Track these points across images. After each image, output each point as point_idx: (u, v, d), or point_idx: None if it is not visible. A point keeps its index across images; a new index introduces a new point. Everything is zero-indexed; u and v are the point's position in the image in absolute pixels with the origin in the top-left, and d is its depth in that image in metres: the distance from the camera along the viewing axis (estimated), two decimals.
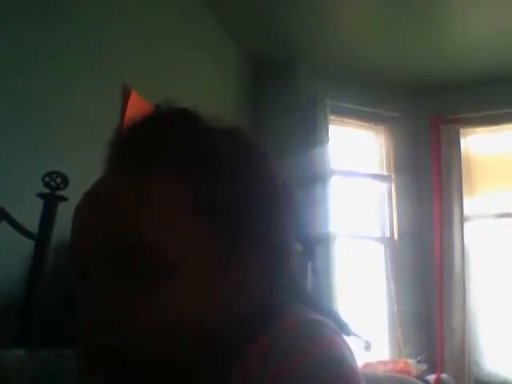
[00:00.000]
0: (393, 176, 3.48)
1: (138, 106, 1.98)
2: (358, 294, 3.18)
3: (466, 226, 3.23)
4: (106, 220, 0.46)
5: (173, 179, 0.48)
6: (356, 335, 0.60)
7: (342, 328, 0.57)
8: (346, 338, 0.53)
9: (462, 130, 3.39)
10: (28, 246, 1.28)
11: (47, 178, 1.28)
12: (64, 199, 1.29)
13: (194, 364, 0.47)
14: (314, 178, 3.03)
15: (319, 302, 0.59)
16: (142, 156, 0.49)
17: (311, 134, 3.15)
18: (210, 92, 2.71)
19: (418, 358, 2.87)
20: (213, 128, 0.54)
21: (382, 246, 3.37)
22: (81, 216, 0.49)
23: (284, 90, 3.23)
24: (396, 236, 3.37)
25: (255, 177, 0.53)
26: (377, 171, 3.53)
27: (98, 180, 0.51)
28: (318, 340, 0.48)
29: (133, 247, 0.45)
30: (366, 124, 3.54)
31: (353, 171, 3.46)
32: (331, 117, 3.28)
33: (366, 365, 2.63)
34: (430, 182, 3.35)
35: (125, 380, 0.45)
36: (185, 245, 0.46)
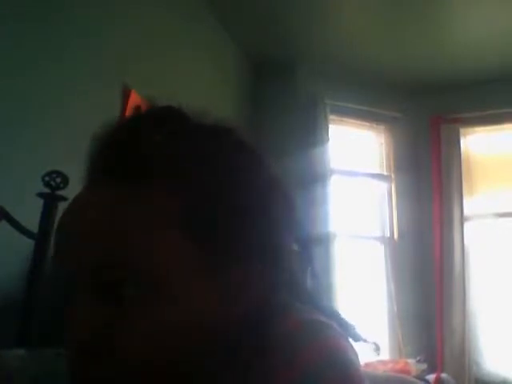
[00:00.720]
0: (393, 176, 3.48)
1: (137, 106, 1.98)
2: (358, 293, 3.18)
3: (466, 225, 3.23)
4: (91, 235, 0.45)
5: (157, 189, 0.46)
6: (363, 339, 0.59)
7: (349, 331, 0.57)
8: (351, 340, 0.52)
9: (462, 130, 3.39)
10: (28, 245, 1.28)
11: (47, 178, 1.28)
12: (64, 199, 1.29)
13: (193, 366, 0.47)
14: (314, 178, 3.03)
15: (322, 303, 0.59)
16: (123, 167, 0.47)
17: (311, 133, 3.15)
18: (209, 92, 2.71)
19: (418, 358, 2.87)
20: (199, 128, 0.52)
21: (382, 246, 3.37)
22: (65, 230, 0.48)
23: (284, 90, 3.23)
24: (396, 236, 3.37)
25: (246, 177, 0.51)
26: (377, 171, 3.53)
27: (80, 192, 0.49)
28: (323, 341, 0.48)
29: (119, 264, 0.44)
30: (366, 124, 3.54)
31: (353, 171, 3.46)
32: (331, 117, 3.28)
33: (366, 364, 2.63)
34: (429, 182, 3.35)
35: None
36: (172, 257, 0.45)
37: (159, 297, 0.44)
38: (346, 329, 0.55)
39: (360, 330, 0.58)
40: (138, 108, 0.56)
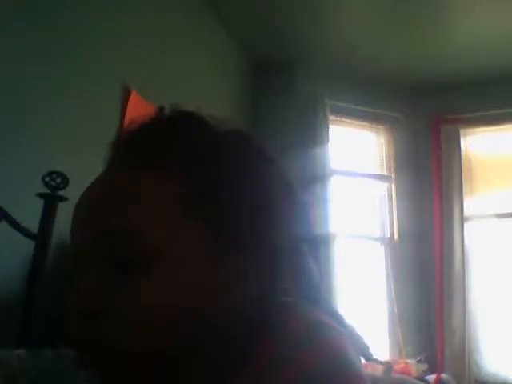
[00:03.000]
0: (393, 176, 3.47)
1: (138, 106, 1.98)
2: (358, 294, 3.18)
3: (466, 225, 3.23)
4: (96, 210, 0.48)
5: (165, 176, 0.49)
6: (374, 358, 0.60)
7: (363, 351, 0.57)
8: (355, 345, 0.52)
9: (462, 130, 3.39)
10: (28, 245, 1.28)
11: (47, 178, 1.28)
12: (64, 199, 1.29)
13: (191, 353, 0.47)
14: (314, 178, 3.03)
15: (328, 305, 0.59)
16: (137, 154, 0.50)
17: (311, 134, 3.15)
18: (209, 92, 2.71)
19: (418, 358, 2.87)
20: (216, 130, 0.54)
21: (382, 246, 3.37)
22: (76, 211, 0.51)
23: (284, 90, 3.23)
24: (396, 236, 3.37)
25: (255, 178, 0.53)
26: (377, 171, 3.53)
27: (99, 175, 0.52)
28: (326, 343, 0.48)
29: (119, 233, 0.46)
30: (367, 124, 3.54)
31: (353, 171, 3.46)
32: (331, 117, 3.28)
33: (366, 365, 2.63)
34: (430, 182, 3.35)
35: (116, 373, 0.46)
36: (170, 231, 0.47)
37: (160, 271, 0.46)
38: (363, 351, 0.55)
39: (367, 343, 0.58)
40: (161, 108, 0.58)
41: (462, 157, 3.33)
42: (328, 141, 3.17)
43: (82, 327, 0.45)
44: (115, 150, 0.53)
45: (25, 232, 1.27)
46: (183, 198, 0.48)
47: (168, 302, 0.46)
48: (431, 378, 2.59)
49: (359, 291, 3.20)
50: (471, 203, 3.30)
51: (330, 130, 3.22)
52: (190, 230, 0.48)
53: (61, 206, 1.30)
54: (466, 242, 3.20)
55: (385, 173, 3.51)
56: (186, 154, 0.50)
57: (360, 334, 0.58)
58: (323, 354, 0.46)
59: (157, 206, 0.47)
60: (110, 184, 0.49)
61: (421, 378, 2.56)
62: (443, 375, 2.66)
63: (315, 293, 0.61)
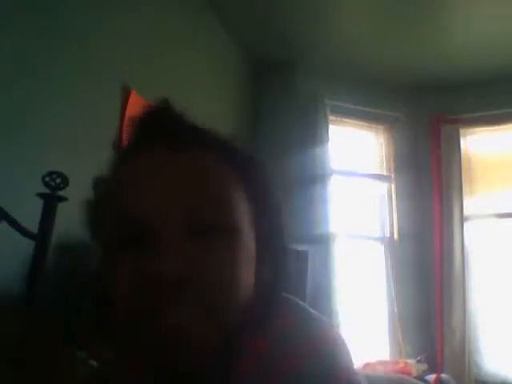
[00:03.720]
0: (393, 176, 3.48)
1: (138, 106, 1.98)
2: (358, 293, 3.18)
3: (466, 225, 3.23)
4: (184, 185, 0.50)
5: (227, 164, 0.55)
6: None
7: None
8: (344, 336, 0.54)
9: (462, 130, 3.39)
10: (28, 245, 1.28)
11: (47, 178, 1.27)
12: (64, 199, 1.29)
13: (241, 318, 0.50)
14: (314, 178, 3.03)
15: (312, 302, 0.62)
16: (200, 137, 0.56)
17: (311, 134, 3.15)
18: (209, 92, 2.71)
19: (418, 358, 2.87)
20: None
21: (382, 246, 3.37)
22: (148, 183, 0.51)
23: (284, 90, 3.23)
24: (396, 236, 3.37)
25: (270, 182, 0.61)
26: (377, 171, 3.53)
27: (147, 153, 0.53)
28: (318, 339, 0.49)
29: (211, 203, 0.51)
30: (366, 124, 3.54)
31: (353, 171, 3.46)
32: (331, 117, 3.28)
33: (366, 365, 2.64)
34: (430, 182, 3.35)
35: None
36: (243, 212, 0.53)
37: (232, 244, 0.51)
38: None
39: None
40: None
41: (462, 157, 3.33)
42: (328, 141, 3.17)
43: (172, 296, 0.46)
44: (164, 127, 0.56)
45: (25, 232, 1.27)
46: (242, 185, 0.55)
47: (240, 268, 0.50)
48: (431, 377, 2.59)
49: (359, 291, 3.20)
50: (471, 203, 3.30)
51: (329, 129, 3.22)
52: (250, 215, 0.54)
53: (61, 206, 1.30)
54: (466, 242, 3.20)
55: (385, 173, 3.51)
56: (237, 154, 0.57)
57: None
58: (315, 351, 0.47)
59: (233, 186, 0.53)
60: (186, 162, 0.52)
61: (421, 378, 2.56)
62: (443, 375, 2.66)
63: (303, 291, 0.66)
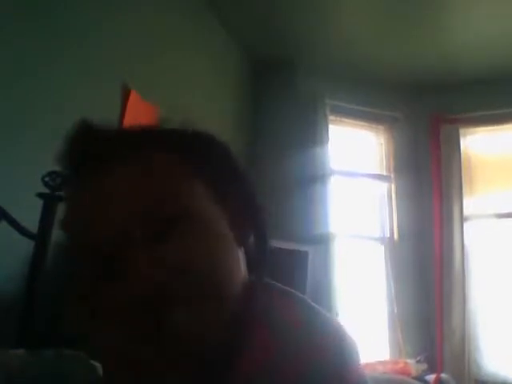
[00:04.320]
0: (393, 176, 3.48)
1: (137, 106, 1.98)
2: (358, 293, 3.18)
3: (466, 226, 3.23)
4: (131, 191, 0.50)
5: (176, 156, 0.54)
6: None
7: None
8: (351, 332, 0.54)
9: (461, 130, 3.39)
10: (27, 245, 1.28)
11: (47, 179, 1.27)
12: (64, 199, 1.29)
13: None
14: (314, 178, 3.03)
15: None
16: (143, 145, 0.54)
17: (311, 134, 3.15)
18: (209, 92, 2.71)
19: (418, 358, 2.87)
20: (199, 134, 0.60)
21: (382, 246, 3.37)
22: (99, 202, 0.50)
23: (284, 90, 3.23)
24: (396, 236, 3.37)
25: (234, 163, 0.59)
26: (377, 171, 3.53)
27: (90, 179, 0.52)
28: (329, 338, 0.49)
29: (162, 200, 0.49)
30: (366, 124, 3.54)
31: (353, 171, 3.46)
32: (331, 117, 3.28)
33: (366, 365, 2.63)
34: (430, 182, 3.35)
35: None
36: (200, 198, 0.52)
37: (195, 225, 0.50)
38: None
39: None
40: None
41: (462, 156, 3.33)
42: (328, 141, 3.17)
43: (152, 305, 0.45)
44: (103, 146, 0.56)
45: (24, 232, 1.27)
46: (201, 174, 0.54)
47: (206, 251, 0.49)
48: (431, 377, 2.59)
49: (359, 291, 3.20)
50: (471, 203, 3.30)
51: (329, 129, 3.22)
52: (211, 200, 0.53)
53: (61, 206, 1.30)
54: (466, 242, 3.20)
55: (384, 173, 3.51)
56: (186, 142, 0.56)
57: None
58: (326, 349, 0.47)
59: (181, 175, 0.52)
60: (133, 169, 0.51)
61: (420, 378, 2.56)
62: (443, 375, 2.66)
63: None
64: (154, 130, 0.59)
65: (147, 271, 0.45)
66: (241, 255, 0.54)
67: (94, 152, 0.55)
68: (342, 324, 0.53)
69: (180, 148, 0.55)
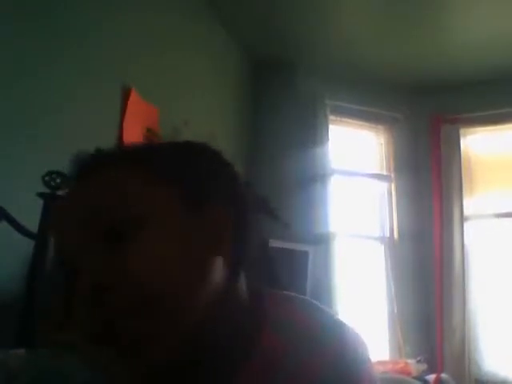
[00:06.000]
0: (393, 176, 3.48)
1: (137, 106, 1.98)
2: (358, 293, 3.18)
3: (466, 225, 3.23)
4: (81, 201, 0.52)
5: (128, 167, 0.54)
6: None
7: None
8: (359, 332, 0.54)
9: (462, 130, 3.39)
10: (28, 245, 1.28)
11: (47, 178, 1.27)
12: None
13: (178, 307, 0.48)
14: (314, 178, 3.03)
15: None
16: (104, 161, 0.55)
17: (311, 133, 3.15)
18: (209, 92, 2.71)
19: (418, 358, 2.86)
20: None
21: (382, 246, 3.37)
22: (61, 216, 0.54)
23: (284, 90, 3.23)
24: (396, 236, 3.37)
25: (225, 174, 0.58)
26: (377, 171, 3.53)
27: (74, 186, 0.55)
28: (340, 340, 0.49)
29: (107, 208, 0.50)
30: (366, 124, 3.54)
31: (353, 171, 3.46)
32: (331, 117, 3.28)
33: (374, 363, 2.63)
34: (429, 182, 3.35)
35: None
36: (157, 202, 0.51)
37: (151, 233, 0.49)
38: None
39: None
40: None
41: (462, 157, 3.33)
42: (328, 141, 3.17)
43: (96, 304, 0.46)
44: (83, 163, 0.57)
45: (24, 231, 1.27)
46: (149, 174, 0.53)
47: (162, 253, 0.48)
48: (431, 377, 2.59)
49: (359, 291, 3.20)
50: (471, 203, 3.30)
51: (329, 129, 3.22)
52: (173, 201, 0.52)
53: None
54: (466, 242, 3.20)
55: (384, 173, 3.51)
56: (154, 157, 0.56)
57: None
58: (337, 352, 0.47)
59: (132, 183, 0.52)
60: (86, 184, 0.53)
61: (420, 378, 2.56)
62: (443, 375, 2.66)
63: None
64: (132, 146, 0.59)
65: (94, 279, 0.46)
66: (217, 265, 0.52)
67: (74, 170, 0.57)
68: (353, 328, 0.53)
69: (148, 160, 0.54)
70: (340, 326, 0.52)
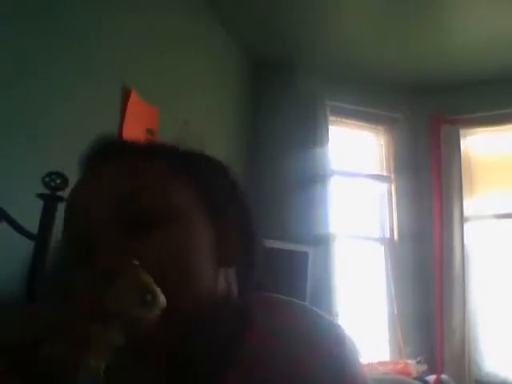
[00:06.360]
0: (393, 176, 3.47)
1: (138, 107, 1.98)
2: (358, 294, 3.18)
3: (466, 226, 3.23)
4: (111, 186, 0.53)
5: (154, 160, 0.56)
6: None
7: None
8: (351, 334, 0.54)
9: (462, 130, 3.39)
10: (28, 246, 1.27)
11: (47, 179, 1.27)
12: (64, 199, 1.29)
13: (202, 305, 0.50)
14: (314, 179, 3.03)
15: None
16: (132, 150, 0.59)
17: (311, 134, 3.15)
18: (209, 92, 2.71)
19: (418, 359, 2.86)
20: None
21: (382, 247, 3.37)
22: (84, 191, 0.55)
23: (284, 90, 3.23)
24: (396, 236, 3.37)
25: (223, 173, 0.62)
26: (377, 172, 3.53)
27: (88, 171, 0.58)
28: (330, 340, 0.50)
29: (137, 194, 0.52)
30: (366, 124, 3.54)
31: (353, 172, 3.46)
32: (331, 117, 3.28)
33: (366, 366, 2.63)
34: (429, 182, 3.35)
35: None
36: (180, 198, 0.54)
37: (174, 226, 0.51)
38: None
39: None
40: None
41: (462, 157, 3.33)
42: (328, 141, 3.17)
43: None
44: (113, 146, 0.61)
45: (24, 232, 1.27)
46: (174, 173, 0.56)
47: (182, 245, 0.50)
48: (431, 378, 2.59)
49: (359, 291, 3.19)
50: (471, 203, 3.30)
51: (329, 130, 3.21)
52: (195, 200, 0.55)
53: (61, 206, 1.30)
54: (466, 242, 3.20)
55: (384, 173, 3.51)
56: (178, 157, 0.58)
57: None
58: (327, 352, 0.48)
59: (159, 175, 0.54)
60: (115, 168, 0.55)
61: (421, 379, 2.56)
62: (443, 376, 2.66)
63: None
64: (154, 144, 0.63)
65: (111, 261, 0.46)
66: (220, 273, 0.54)
67: (91, 154, 0.60)
68: (343, 328, 0.54)
69: (170, 159, 0.57)
70: (335, 328, 0.54)
